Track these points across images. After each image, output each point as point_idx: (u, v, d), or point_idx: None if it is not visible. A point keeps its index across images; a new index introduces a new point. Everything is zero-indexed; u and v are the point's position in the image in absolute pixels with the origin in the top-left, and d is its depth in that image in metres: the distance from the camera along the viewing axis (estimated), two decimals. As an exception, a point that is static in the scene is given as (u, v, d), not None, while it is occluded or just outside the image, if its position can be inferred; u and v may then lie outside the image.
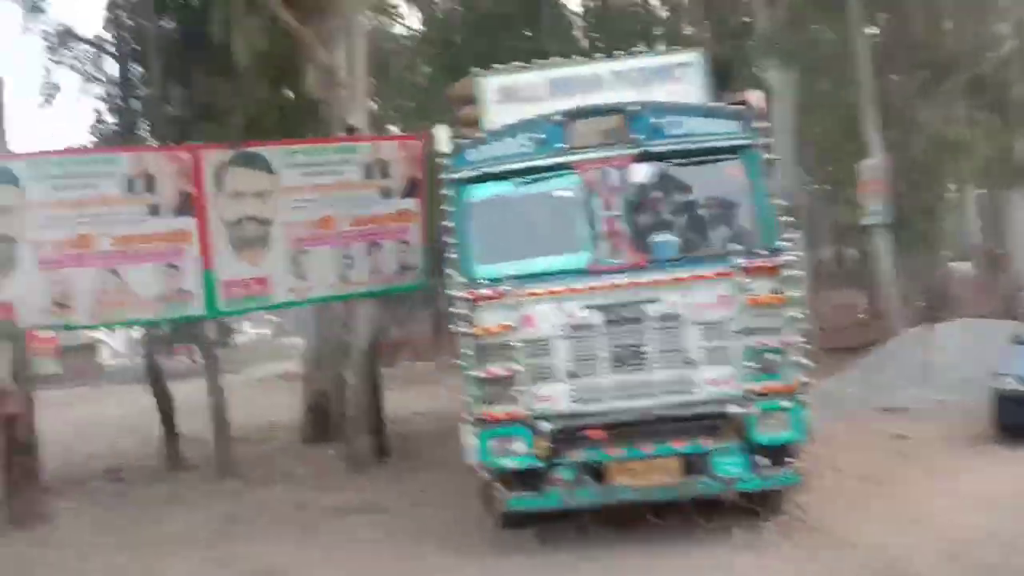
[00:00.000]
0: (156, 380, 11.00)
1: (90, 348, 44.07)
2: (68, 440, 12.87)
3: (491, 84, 6.11)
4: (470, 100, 7.04)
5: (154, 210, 8.19)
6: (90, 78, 11.38)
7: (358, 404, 9.51)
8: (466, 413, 5.60)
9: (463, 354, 5.56)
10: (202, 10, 10.05)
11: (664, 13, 17.68)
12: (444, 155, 5.83)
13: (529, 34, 15.42)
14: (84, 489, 9.56)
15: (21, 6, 11.42)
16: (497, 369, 5.47)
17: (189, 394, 11.37)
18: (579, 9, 17.17)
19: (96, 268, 8.05)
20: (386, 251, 9.06)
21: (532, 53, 8.28)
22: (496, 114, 5.98)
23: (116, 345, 56.00)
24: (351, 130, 8.84)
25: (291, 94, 9.80)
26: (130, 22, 11.16)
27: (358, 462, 9.42)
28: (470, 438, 5.55)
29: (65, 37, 11.24)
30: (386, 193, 8.95)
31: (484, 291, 5.51)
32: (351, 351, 9.95)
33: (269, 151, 8.55)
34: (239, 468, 9.60)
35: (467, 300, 5.54)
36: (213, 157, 8.35)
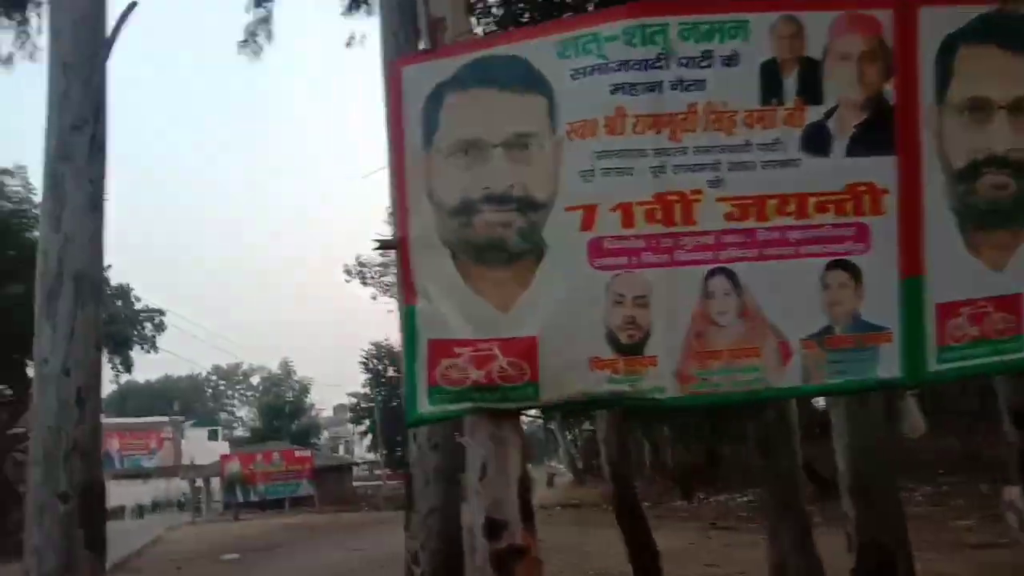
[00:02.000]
0: (638, 538, 6.06)
1: (339, 470, 41.20)
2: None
3: None
4: None
5: (814, 138, 3.67)
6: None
7: None
8: None
9: None
10: None
11: None
12: None
13: None
14: None
15: None
16: None
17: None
18: None
19: (700, 267, 3.61)
20: None
21: None
22: None
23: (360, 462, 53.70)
24: None
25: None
26: None
27: None
28: None
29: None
30: None
31: None
32: None
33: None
34: None
35: None
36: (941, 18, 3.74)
